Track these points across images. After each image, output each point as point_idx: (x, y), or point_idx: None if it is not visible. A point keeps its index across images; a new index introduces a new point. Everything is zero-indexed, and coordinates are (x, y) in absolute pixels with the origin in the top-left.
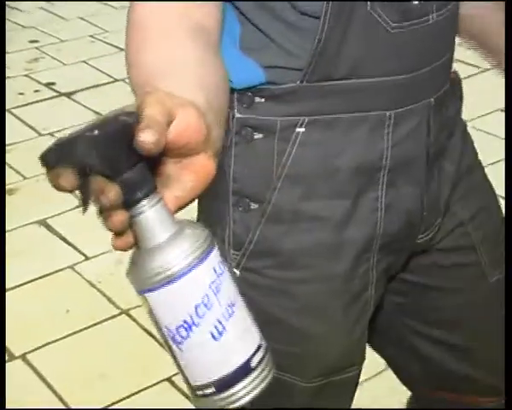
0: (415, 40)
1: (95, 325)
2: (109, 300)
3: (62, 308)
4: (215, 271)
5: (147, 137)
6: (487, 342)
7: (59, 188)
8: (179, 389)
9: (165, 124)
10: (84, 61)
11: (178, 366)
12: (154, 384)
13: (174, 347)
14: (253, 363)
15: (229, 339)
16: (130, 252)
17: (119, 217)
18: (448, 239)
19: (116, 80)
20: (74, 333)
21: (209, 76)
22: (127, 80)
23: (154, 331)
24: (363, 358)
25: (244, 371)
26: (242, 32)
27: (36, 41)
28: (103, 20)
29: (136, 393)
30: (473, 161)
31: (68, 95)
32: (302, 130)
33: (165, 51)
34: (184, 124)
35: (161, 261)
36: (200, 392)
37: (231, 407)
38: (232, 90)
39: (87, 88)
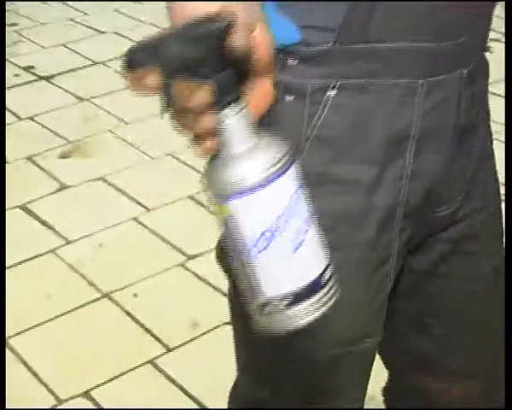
0: (452, 8)
1: (76, 309)
2: (90, 283)
3: (43, 293)
4: (296, 183)
5: (241, 40)
6: (476, 330)
7: (142, 89)
8: (162, 371)
9: (251, 31)
10: (64, 45)
11: (250, 283)
12: (137, 367)
13: (253, 258)
14: (324, 280)
15: (305, 252)
16: (111, 235)
17: (211, 118)
18: (462, 224)
19: (96, 63)
20: (56, 317)
21: None
22: (107, 63)
23: (139, 315)
24: (379, 331)
25: (316, 286)
26: None
27: (15, 24)
28: (83, 4)
29: (119, 376)
30: (490, 146)
31: (48, 78)
32: (334, 93)
33: None
34: (263, 36)
35: (251, 167)
36: (270, 306)
37: (300, 322)
38: None
39: (67, 71)
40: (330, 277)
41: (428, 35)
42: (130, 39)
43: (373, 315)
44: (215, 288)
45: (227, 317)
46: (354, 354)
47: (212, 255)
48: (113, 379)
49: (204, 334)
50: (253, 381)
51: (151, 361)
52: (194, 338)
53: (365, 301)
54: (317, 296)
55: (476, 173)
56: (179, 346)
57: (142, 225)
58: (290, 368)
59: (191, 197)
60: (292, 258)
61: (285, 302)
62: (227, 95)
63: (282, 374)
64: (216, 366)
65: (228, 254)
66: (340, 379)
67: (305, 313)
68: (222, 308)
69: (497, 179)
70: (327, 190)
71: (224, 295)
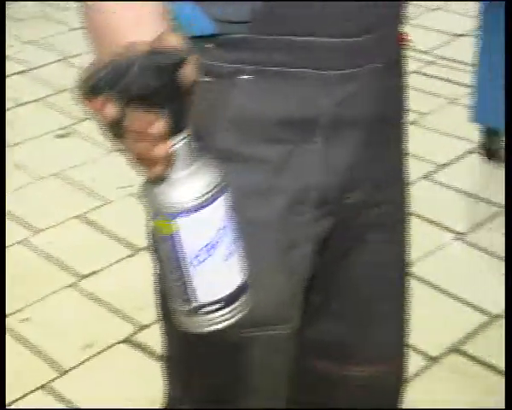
0: (363, 5)
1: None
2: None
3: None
4: (229, 200)
5: (193, 72)
6: (383, 315)
7: (99, 116)
8: (56, 395)
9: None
10: None
11: (185, 290)
12: (31, 392)
13: (191, 269)
14: (246, 285)
15: (233, 261)
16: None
17: (165, 146)
18: (367, 212)
19: None
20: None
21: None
22: None
23: (31, 339)
24: (293, 319)
25: (241, 291)
26: None
27: None
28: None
29: (12, 403)
30: (402, 142)
31: None
32: (248, 77)
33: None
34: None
35: (197, 189)
36: (202, 310)
37: (226, 323)
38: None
39: None
40: (248, 285)
41: (340, 31)
42: None
43: (285, 299)
44: (108, 307)
45: (121, 335)
46: (265, 341)
47: (104, 273)
48: (7, 407)
49: (99, 354)
50: (170, 381)
51: (45, 386)
52: (89, 358)
53: (275, 283)
54: (242, 300)
55: (387, 161)
56: (73, 367)
57: (31, 246)
58: (201, 361)
59: (79, 217)
60: (224, 267)
61: (216, 306)
62: (178, 122)
63: (192, 368)
64: (112, 385)
65: (161, 264)
66: (253, 374)
67: (229, 316)
68: (116, 327)
69: (403, 167)
70: (237, 167)
71: (118, 313)
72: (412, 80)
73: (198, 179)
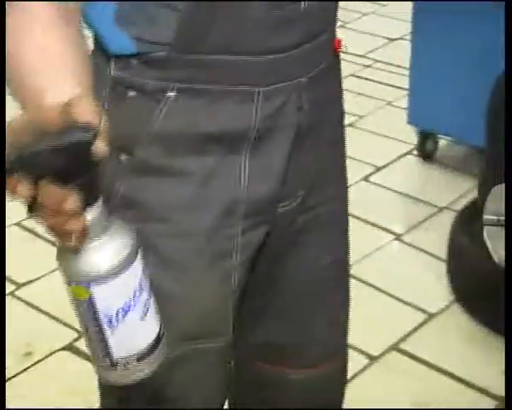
0: (286, 22)
1: None
2: None
3: None
4: (143, 263)
5: (104, 147)
6: (313, 317)
7: (16, 195)
8: None
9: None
10: None
11: (103, 347)
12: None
13: (108, 330)
14: (160, 335)
15: (149, 317)
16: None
17: (79, 219)
18: (303, 217)
19: None
20: None
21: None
22: None
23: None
24: (229, 332)
25: (156, 343)
26: (116, 3)
27: None
28: None
29: None
30: (342, 144)
31: None
32: (172, 94)
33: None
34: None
35: (110, 256)
36: (119, 365)
37: (143, 375)
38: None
39: None
40: (164, 332)
41: (263, 49)
42: None
43: (215, 311)
44: (48, 314)
45: (62, 342)
46: (202, 352)
47: (43, 281)
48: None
49: (38, 362)
50: (103, 391)
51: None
52: (29, 367)
53: (203, 295)
54: (158, 350)
55: (323, 164)
56: (13, 377)
57: None
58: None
59: (17, 224)
60: (140, 325)
61: (133, 360)
62: (91, 194)
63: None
64: (51, 393)
65: (80, 322)
66: (187, 389)
67: (148, 367)
68: (55, 335)
69: (344, 171)
70: (163, 181)
71: (57, 320)
72: (350, 83)
73: (112, 246)
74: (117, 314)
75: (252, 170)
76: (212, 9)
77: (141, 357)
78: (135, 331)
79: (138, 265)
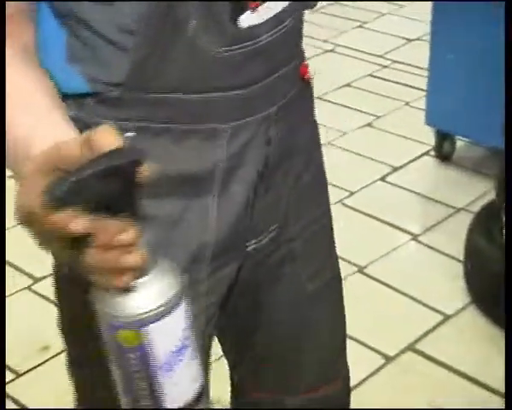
0: (246, 59)
1: None
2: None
3: None
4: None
5: (147, 170)
6: (299, 344)
7: (68, 231)
8: (11, 398)
9: None
10: None
11: (149, 393)
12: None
13: (160, 375)
14: (203, 384)
15: (195, 363)
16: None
17: (139, 252)
18: (278, 250)
19: None
20: None
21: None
22: None
23: None
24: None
25: (202, 391)
26: (67, 42)
27: None
28: None
29: None
30: (319, 167)
31: None
32: (132, 134)
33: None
34: None
35: (164, 290)
36: None
37: None
38: None
39: None
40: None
41: (224, 86)
42: None
43: None
44: None
45: None
46: None
47: None
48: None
49: (55, 356)
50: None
51: None
52: (45, 361)
53: None
54: (202, 401)
55: (298, 195)
56: (29, 371)
57: None
58: None
59: None
60: (190, 369)
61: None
62: (142, 223)
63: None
64: (68, 387)
65: (119, 375)
66: None
67: None
68: None
69: (327, 192)
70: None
71: None
72: (367, 83)
73: (162, 281)
74: (171, 356)
75: (220, 211)
76: (164, 48)
77: (193, 404)
78: (187, 376)
79: (187, 306)
